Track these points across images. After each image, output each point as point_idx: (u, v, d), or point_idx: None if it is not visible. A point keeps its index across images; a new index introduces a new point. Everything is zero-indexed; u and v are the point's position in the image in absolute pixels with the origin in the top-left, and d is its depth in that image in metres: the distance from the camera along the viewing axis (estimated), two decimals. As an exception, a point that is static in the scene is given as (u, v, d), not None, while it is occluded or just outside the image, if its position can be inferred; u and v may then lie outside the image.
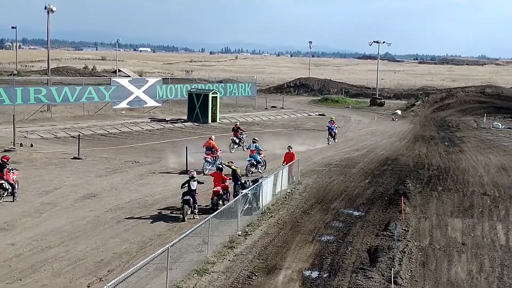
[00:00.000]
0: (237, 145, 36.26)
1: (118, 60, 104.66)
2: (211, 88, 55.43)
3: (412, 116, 62.95)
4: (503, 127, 53.63)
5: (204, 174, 27.71)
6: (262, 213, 21.96)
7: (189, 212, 21.20)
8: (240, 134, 36.89)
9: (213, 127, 48.09)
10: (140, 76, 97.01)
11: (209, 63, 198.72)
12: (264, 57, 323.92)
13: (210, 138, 31.01)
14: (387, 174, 30.27)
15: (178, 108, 57.26)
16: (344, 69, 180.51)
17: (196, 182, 21.41)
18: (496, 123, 55.42)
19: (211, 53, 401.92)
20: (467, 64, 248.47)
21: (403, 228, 20.62)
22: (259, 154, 30.20)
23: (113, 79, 56.45)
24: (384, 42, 79.70)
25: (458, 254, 18.27)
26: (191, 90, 53.17)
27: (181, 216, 21.14)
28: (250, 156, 29.90)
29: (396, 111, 65.91)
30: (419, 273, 16.61)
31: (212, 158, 29.60)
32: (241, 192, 21.17)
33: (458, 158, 35.95)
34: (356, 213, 22.87)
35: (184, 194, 21.28)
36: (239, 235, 19.22)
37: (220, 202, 22.07)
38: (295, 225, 20.92)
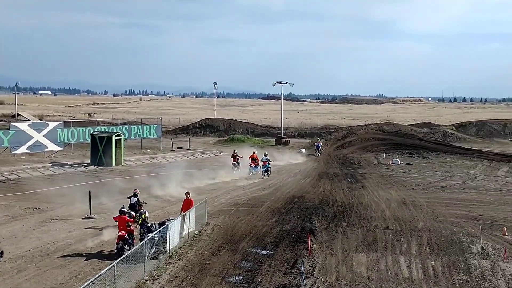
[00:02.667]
0: (236, 168, 46.02)
1: (18, 104, 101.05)
2: (115, 131, 54.53)
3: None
4: (402, 162, 55.59)
5: (250, 175, 43.54)
6: (169, 256, 21.60)
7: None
8: (237, 159, 46.57)
9: (118, 170, 47.15)
10: (40, 119, 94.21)
11: (113, 105, 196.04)
12: (169, 99, 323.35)
13: (254, 152, 47.16)
14: (294, 212, 30.62)
15: (81, 151, 55.86)
16: (249, 109, 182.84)
17: (136, 198, 25.04)
18: (395, 159, 57.42)
19: (114, 95, 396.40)
20: (366, 103, 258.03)
21: (310, 265, 20.83)
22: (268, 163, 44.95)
23: (11, 123, 54.34)
24: (287, 82, 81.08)
25: (364, 288, 18.61)
26: (94, 133, 52.06)
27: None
28: (263, 165, 44.65)
29: (301, 149, 66.98)
30: (327, 309, 16.77)
31: (254, 166, 45.02)
32: (148, 236, 20.79)
33: (361, 194, 36.90)
34: (264, 252, 22.91)
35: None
36: (146, 280, 18.78)
37: (126, 246, 21.59)
38: (203, 267, 20.70)
